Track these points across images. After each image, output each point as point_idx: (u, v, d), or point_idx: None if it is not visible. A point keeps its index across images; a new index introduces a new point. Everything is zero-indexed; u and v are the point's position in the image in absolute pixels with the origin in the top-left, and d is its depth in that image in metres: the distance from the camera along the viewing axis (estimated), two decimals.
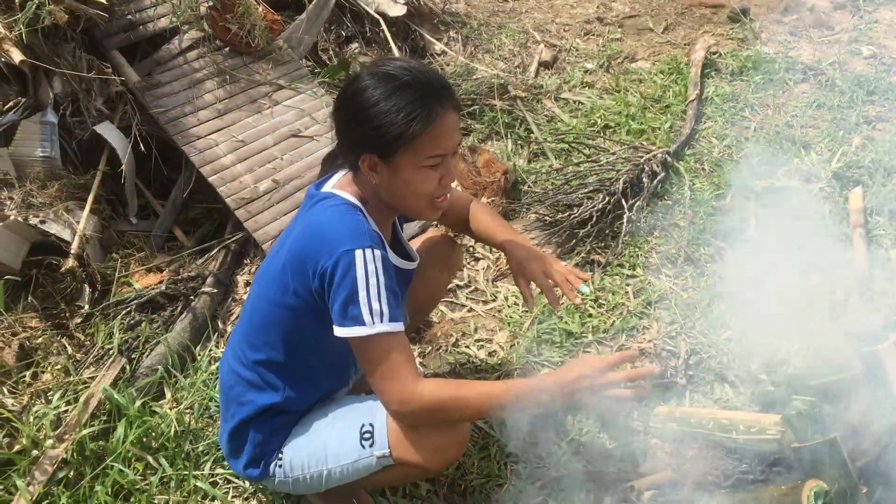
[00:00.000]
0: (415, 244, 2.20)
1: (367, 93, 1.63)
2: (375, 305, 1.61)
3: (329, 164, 1.89)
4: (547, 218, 3.02)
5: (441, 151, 1.65)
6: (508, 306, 2.76)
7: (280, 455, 1.87)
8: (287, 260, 1.72)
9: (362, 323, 1.61)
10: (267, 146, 2.96)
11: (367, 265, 1.60)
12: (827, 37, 4.23)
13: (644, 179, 3.13)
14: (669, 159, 3.27)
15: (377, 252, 1.62)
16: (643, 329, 2.64)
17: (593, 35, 4.32)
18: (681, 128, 3.53)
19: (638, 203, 3.05)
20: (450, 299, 2.80)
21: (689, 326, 2.65)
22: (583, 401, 1.63)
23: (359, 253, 1.60)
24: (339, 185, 1.76)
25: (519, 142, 3.49)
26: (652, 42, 4.25)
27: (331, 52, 3.69)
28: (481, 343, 2.64)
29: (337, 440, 1.81)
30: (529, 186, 3.20)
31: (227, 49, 3.12)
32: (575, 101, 3.76)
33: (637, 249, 2.95)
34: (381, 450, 1.74)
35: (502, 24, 4.28)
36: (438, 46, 3.95)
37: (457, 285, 2.85)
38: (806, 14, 4.34)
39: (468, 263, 2.94)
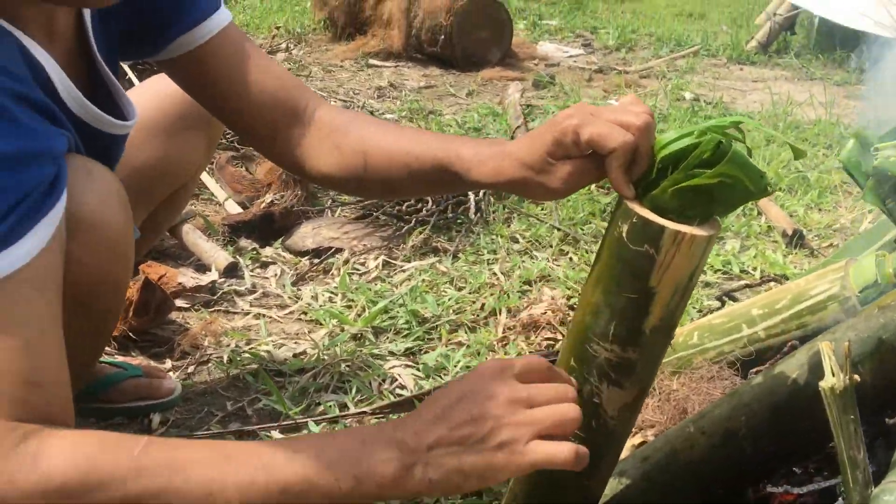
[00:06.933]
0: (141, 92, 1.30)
1: None
2: None
3: None
4: (377, 214, 2.19)
5: None
6: (321, 305, 1.81)
7: None
8: None
9: None
10: None
11: None
12: (649, 88, 4.02)
13: None
14: None
15: None
16: (530, 304, 1.79)
17: (388, 98, 3.79)
18: None
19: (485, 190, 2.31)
20: (221, 307, 1.80)
21: None
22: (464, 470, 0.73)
23: None
24: None
25: None
26: (456, 102, 3.79)
27: None
28: (282, 343, 1.65)
29: None
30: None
31: None
32: None
33: (495, 236, 2.17)
34: None
35: None
36: None
37: (235, 291, 1.86)
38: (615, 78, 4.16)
39: (251, 270, 1.98)
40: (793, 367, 0.93)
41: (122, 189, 0.91)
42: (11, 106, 0.71)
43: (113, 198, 0.88)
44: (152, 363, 1.54)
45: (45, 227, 0.73)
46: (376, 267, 1.99)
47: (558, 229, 2.21)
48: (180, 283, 1.77)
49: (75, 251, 0.82)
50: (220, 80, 1.04)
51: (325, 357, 1.59)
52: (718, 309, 1.52)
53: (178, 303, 1.75)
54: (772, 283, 1.53)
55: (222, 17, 1.04)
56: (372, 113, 3.38)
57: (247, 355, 1.60)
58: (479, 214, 2.27)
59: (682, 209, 0.77)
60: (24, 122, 0.72)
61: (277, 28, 4.70)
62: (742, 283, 1.71)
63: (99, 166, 0.89)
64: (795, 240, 2.17)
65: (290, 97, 1.06)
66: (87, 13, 0.94)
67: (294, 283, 1.92)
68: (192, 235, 1.99)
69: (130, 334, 1.57)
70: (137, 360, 1.52)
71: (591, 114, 0.84)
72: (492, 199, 2.36)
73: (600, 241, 0.86)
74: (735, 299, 1.59)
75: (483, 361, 1.55)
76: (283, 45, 4.47)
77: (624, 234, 0.77)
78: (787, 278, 1.91)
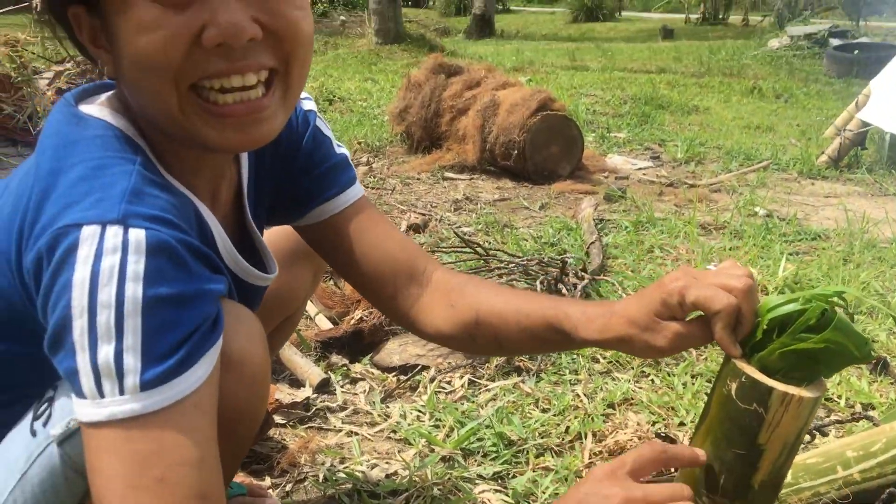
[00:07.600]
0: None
1: None
2: (107, 353, 0.77)
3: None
4: None
5: None
6: (409, 424, 1.87)
7: None
8: None
9: (79, 394, 0.78)
10: None
11: (104, 258, 0.78)
12: (720, 203, 4.07)
13: (563, 289, 2.50)
14: (586, 276, 2.69)
15: (143, 233, 0.79)
16: (615, 429, 1.82)
17: (465, 211, 3.93)
18: (587, 264, 3.00)
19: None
20: (315, 423, 1.88)
21: (676, 423, 1.87)
22: None
23: (89, 232, 0.79)
24: (107, 101, 0.95)
25: None
26: (530, 215, 3.89)
27: None
28: (374, 464, 1.70)
29: (7, 446, 0.93)
30: None
31: None
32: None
33: (576, 356, 2.21)
34: (62, 420, 0.88)
35: None
36: None
37: (328, 407, 1.94)
38: (681, 191, 4.22)
39: (342, 385, 2.06)
40: None
41: (264, 331, 1.01)
42: (186, 255, 0.82)
43: (257, 338, 0.99)
44: (254, 481, 1.61)
45: (210, 358, 0.83)
46: (462, 386, 2.05)
47: None
48: (277, 400, 1.86)
49: (225, 384, 0.91)
50: (349, 244, 1.16)
51: (417, 479, 1.64)
52: (809, 443, 1.52)
53: (276, 418, 1.83)
54: (862, 421, 1.54)
55: (356, 191, 1.18)
56: (450, 226, 3.51)
57: (341, 475, 1.66)
58: None
59: (789, 370, 0.82)
60: (194, 268, 0.83)
61: (359, 143, 4.94)
62: (832, 418, 1.71)
63: (246, 310, 0.99)
64: (880, 367, 2.16)
65: (409, 260, 1.17)
66: (245, 188, 1.07)
67: (383, 400, 1.99)
68: (288, 351, 2.09)
69: None
70: (240, 478, 1.59)
71: (695, 277, 0.91)
72: None
73: (708, 396, 0.91)
74: (825, 433, 1.59)
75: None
76: (364, 159, 4.69)
77: (733, 392, 0.83)
78: (874, 408, 1.90)
